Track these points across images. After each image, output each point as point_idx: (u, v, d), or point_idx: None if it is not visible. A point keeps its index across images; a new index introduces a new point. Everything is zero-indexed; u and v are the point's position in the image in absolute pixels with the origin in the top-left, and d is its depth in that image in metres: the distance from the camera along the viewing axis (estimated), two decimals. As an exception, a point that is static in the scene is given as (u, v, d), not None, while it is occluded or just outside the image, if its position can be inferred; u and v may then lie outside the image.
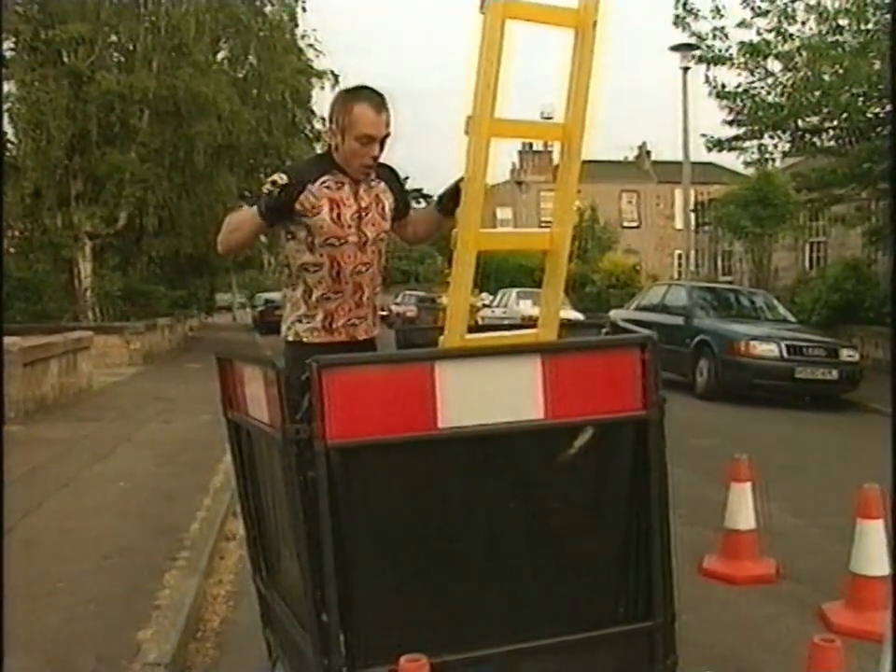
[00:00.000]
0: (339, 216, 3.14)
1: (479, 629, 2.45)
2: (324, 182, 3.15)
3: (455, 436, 2.40)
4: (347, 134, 3.10)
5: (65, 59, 18.88)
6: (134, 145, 19.70)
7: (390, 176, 3.33)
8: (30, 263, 19.31)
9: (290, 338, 3.30)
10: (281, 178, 3.00)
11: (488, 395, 2.43)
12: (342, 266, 3.17)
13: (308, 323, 3.23)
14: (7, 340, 8.85)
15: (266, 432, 2.60)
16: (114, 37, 20.68)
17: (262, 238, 28.81)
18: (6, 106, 17.48)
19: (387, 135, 3.15)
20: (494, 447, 2.47)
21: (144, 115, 19.68)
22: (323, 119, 23.98)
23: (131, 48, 19.97)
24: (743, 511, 4.81)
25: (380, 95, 3.14)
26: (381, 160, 3.20)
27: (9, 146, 18.71)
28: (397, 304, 36.41)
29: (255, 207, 3.05)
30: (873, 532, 4.00)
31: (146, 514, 5.56)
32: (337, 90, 19.29)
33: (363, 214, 3.19)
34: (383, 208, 3.26)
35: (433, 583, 2.45)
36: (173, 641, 3.55)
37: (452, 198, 2.98)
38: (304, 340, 3.24)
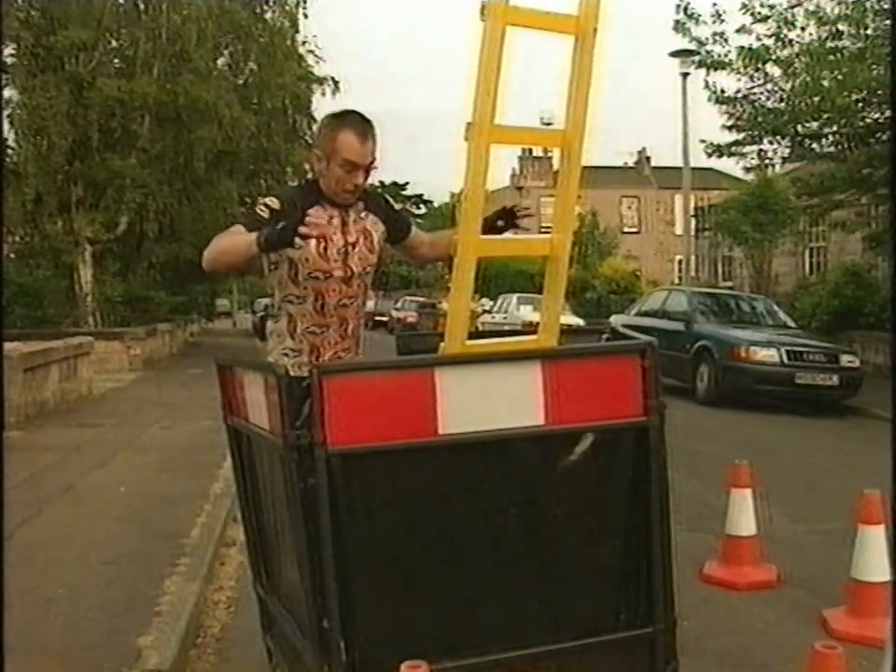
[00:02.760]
0: (325, 249, 3.07)
1: (479, 636, 2.45)
2: (316, 209, 3.07)
3: (455, 442, 2.40)
4: (332, 160, 3.04)
5: (66, 65, 18.89)
6: (135, 150, 19.72)
7: (380, 206, 3.28)
8: (30, 269, 19.31)
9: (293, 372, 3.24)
10: (273, 202, 2.97)
11: (489, 401, 2.42)
12: (326, 300, 3.10)
13: (295, 357, 3.13)
14: (8, 345, 8.86)
15: (266, 438, 2.60)
16: (115, 43, 20.74)
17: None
18: (6, 112, 17.51)
19: (372, 163, 3.10)
20: (494, 453, 2.47)
21: (144, 121, 19.70)
22: (323, 124, 24.04)
23: (131, 54, 20.00)
24: (744, 516, 4.81)
25: (366, 122, 3.09)
26: (367, 184, 3.16)
27: (10, 151, 18.73)
28: (397, 310, 36.41)
29: (253, 235, 2.85)
30: (873, 538, 4.00)
31: (146, 520, 5.55)
32: (337, 96, 18.94)
33: (350, 248, 3.13)
34: (371, 241, 3.20)
35: (434, 590, 2.45)
36: (173, 647, 3.55)
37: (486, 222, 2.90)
38: (291, 374, 3.19)
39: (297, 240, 2.80)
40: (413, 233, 3.43)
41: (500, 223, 3.12)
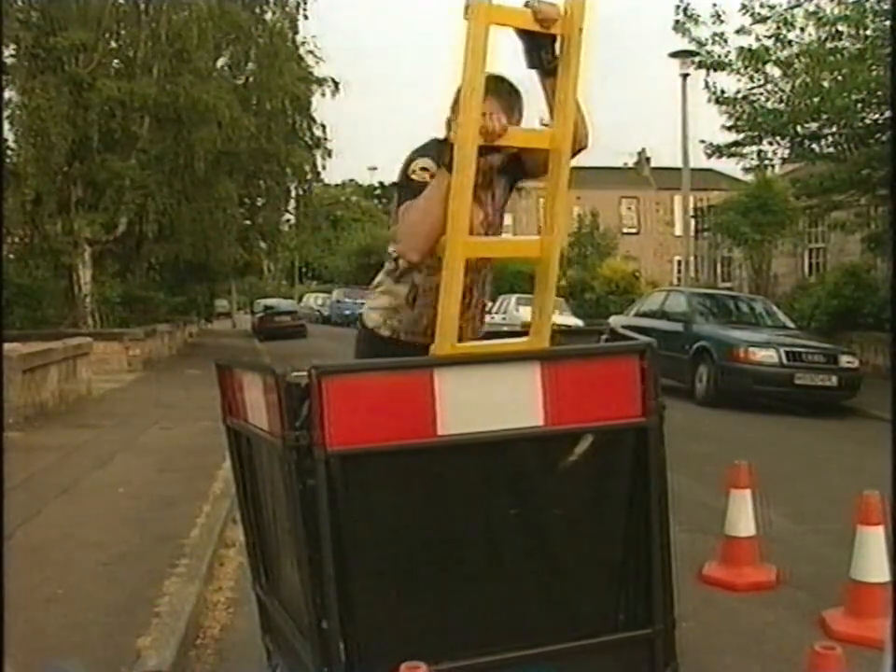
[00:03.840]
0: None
1: (478, 636, 2.45)
2: None
3: (454, 443, 2.40)
4: None
5: (66, 66, 18.89)
6: (135, 151, 19.72)
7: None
8: (30, 270, 19.30)
9: (385, 332, 3.02)
10: (427, 163, 2.72)
11: (488, 402, 2.43)
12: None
13: (412, 325, 2.94)
14: (7, 346, 8.85)
15: (266, 439, 2.60)
16: (115, 44, 20.74)
17: (262, 244, 28.86)
18: (6, 113, 17.51)
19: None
20: (493, 454, 2.47)
21: (144, 121, 19.70)
22: (323, 125, 24.07)
23: (131, 54, 20.01)
24: (743, 517, 4.81)
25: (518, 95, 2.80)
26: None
27: (10, 152, 18.72)
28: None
29: (437, 172, 2.61)
30: (873, 539, 3.99)
31: (145, 521, 5.55)
32: (337, 97, 18.85)
33: (490, 221, 2.93)
34: (501, 207, 3.00)
35: (433, 590, 2.45)
36: (172, 648, 3.54)
37: (542, 49, 2.60)
38: (402, 338, 2.98)
39: None
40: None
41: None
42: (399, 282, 2.99)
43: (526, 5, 2.54)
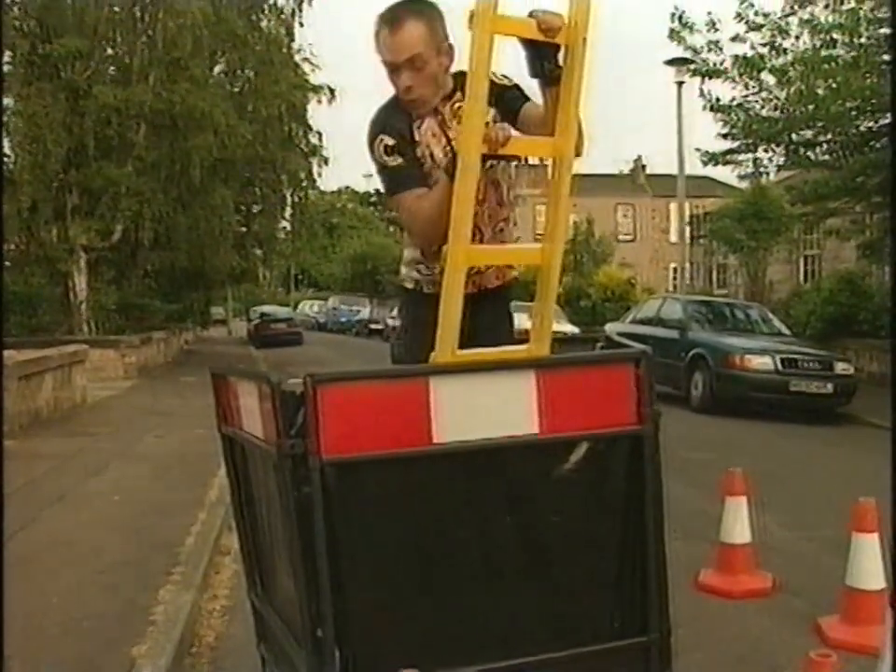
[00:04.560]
0: (431, 156, 2.75)
1: (473, 644, 2.45)
2: (419, 124, 2.76)
3: (450, 451, 2.40)
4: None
5: (62, 73, 18.91)
6: (131, 158, 19.72)
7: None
8: (25, 277, 19.28)
9: (409, 285, 3.04)
10: (387, 140, 2.68)
11: (483, 410, 2.42)
12: None
13: (428, 274, 2.92)
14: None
15: (261, 447, 2.59)
16: (111, 51, 20.76)
17: (258, 252, 28.82)
18: (3, 119, 17.49)
19: (416, 57, 2.65)
20: (489, 462, 2.47)
21: (140, 129, 19.71)
22: (319, 133, 24.10)
23: (127, 62, 20.00)
24: (738, 524, 4.81)
25: (399, 6, 2.67)
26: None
27: (6, 159, 18.72)
28: (393, 318, 36.35)
29: (440, 175, 2.61)
30: (868, 546, 4.00)
31: (140, 529, 5.54)
32: (333, 104, 18.89)
33: (503, 201, 2.92)
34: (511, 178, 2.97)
35: (428, 598, 2.45)
36: (167, 657, 3.53)
37: (545, 59, 2.55)
38: (425, 290, 2.97)
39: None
40: (524, 109, 2.85)
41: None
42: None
43: (531, 14, 2.52)
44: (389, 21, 2.64)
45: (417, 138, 2.76)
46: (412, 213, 2.75)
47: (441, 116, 2.78)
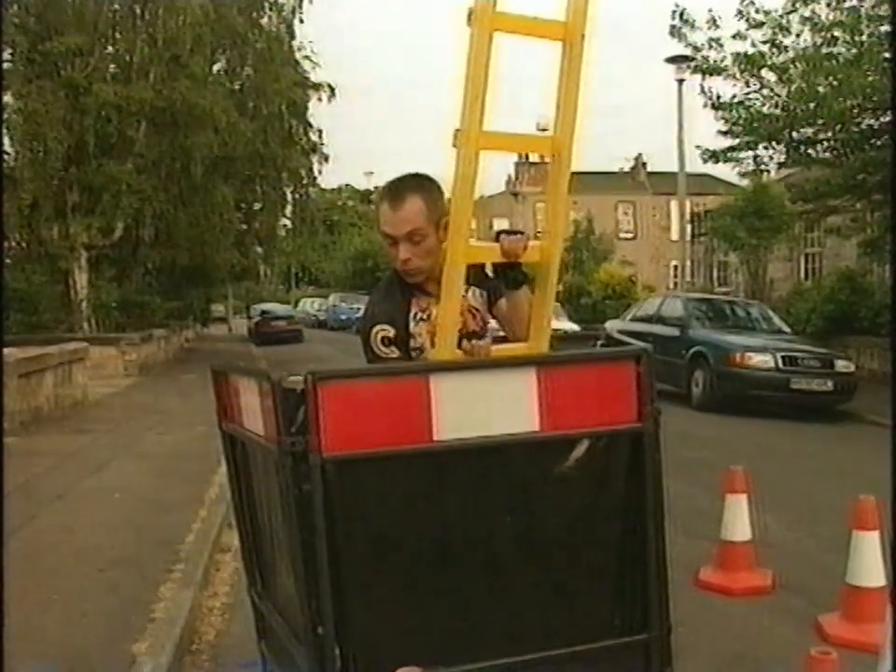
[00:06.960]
0: (421, 348, 2.78)
1: (474, 642, 2.45)
2: (415, 314, 2.79)
3: (450, 448, 2.40)
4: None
5: (62, 70, 18.90)
6: (131, 156, 19.71)
7: (478, 273, 2.84)
8: (26, 274, 19.29)
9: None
10: (386, 331, 2.72)
11: (484, 407, 2.42)
12: None
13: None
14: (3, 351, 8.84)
15: (261, 444, 2.59)
16: (111, 49, 20.73)
17: (258, 249, 28.83)
18: (4, 116, 17.48)
19: (415, 231, 2.71)
20: (489, 460, 2.47)
21: (141, 126, 19.70)
22: (320, 130, 24.11)
23: (128, 59, 20.00)
24: (738, 522, 4.82)
25: (404, 184, 2.76)
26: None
27: (6, 157, 18.71)
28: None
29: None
30: (868, 543, 4.00)
31: (141, 526, 5.55)
32: (333, 102, 18.85)
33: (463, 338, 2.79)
34: (480, 317, 2.91)
35: (429, 596, 2.45)
36: (168, 654, 3.54)
37: (505, 268, 2.67)
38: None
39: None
40: (500, 304, 2.91)
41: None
42: None
43: (497, 237, 2.62)
44: (391, 196, 2.74)
45: (412, 329, 2.78)
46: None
47: (435, 298, 2.69)
